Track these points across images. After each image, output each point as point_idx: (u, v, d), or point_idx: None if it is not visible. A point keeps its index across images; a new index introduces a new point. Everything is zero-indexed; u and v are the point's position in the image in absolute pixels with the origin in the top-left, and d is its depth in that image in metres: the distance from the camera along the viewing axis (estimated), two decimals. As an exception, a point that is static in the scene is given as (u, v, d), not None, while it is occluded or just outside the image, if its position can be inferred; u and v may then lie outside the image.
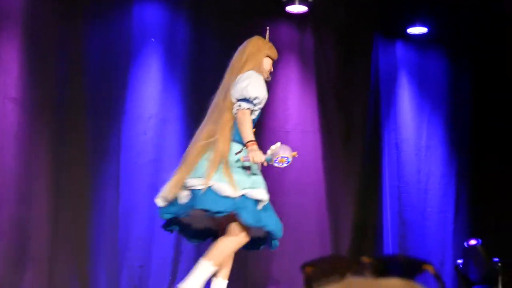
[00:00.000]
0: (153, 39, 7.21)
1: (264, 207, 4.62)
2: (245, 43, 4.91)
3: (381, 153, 8.27)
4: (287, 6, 7.72)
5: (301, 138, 7.74)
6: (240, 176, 4.55)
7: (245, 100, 4.61)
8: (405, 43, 8.53)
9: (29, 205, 6.53)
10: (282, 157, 4.57)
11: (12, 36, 6.63)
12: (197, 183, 4.52)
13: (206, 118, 4.81)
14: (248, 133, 4.56)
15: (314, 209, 7.69)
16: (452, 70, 8.63)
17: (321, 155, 7.81)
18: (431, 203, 8.43)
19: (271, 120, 7.65)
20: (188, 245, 7.10)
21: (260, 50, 4.87)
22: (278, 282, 7.31)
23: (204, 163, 4.56)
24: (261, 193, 4.60)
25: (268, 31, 4.99)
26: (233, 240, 4.64)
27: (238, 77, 4.70)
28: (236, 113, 4.62)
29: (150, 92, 7.15)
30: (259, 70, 4.77)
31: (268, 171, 7.17)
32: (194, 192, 4.53)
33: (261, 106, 4.71)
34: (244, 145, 4.56)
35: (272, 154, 4.57)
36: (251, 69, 4.74)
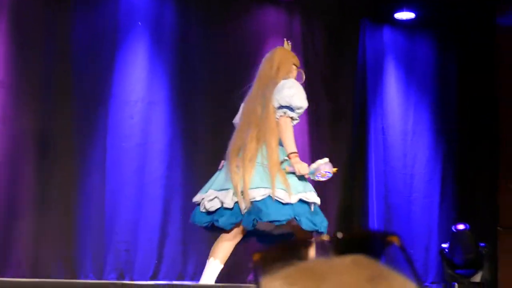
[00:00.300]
0: (139, 23, 7.19)
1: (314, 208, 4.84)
2: (271, 54, 5.12)
3: (368, 138, 8.29)
4: (275, -9, 7.71)
5: (288, 122, 7.73)
6: (293, 181, 4.75)
7: (289, 108, 4.82)
8: (392, 28, 8.53)
9: (16, 188, 6.53)
10: (325, 171, 4.83)
11: (-2, 20, 6.60)
12: (257, 194, 4.69)
13: (240, 124, 4.96)
14: (291, 143, 4.81)
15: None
16: (439, 55, 8.64)
17: (308, 140, 7.82)
18: (416, 188, 8.45)
19: (258, 104, 7.65)
20: (174, 229, 7.11)
21: (288, 59, 5.07)
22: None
23: (257, 173, 4.73)
24: (313, 196, 4.80)
25: (290, 42, 5.22)
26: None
27: (281, 83, 4.88)
28: (278, 119, 4.82)
29: (137, 76, 7.14)
30: (289, 77, 4.99)
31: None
32: (255, 204, 4.69)
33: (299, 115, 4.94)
34: (288, 155, 4.78)
35: (316, 169, 4.79)
36: (284, 77, 4.94)
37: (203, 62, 7.45)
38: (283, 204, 4.66)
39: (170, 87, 7.29)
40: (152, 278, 6.89)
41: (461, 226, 7.61)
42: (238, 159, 4.80)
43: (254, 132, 4.82)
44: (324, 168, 4.80)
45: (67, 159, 6.79)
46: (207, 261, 4.84)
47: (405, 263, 0.78)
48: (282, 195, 4.67)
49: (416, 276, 0.76)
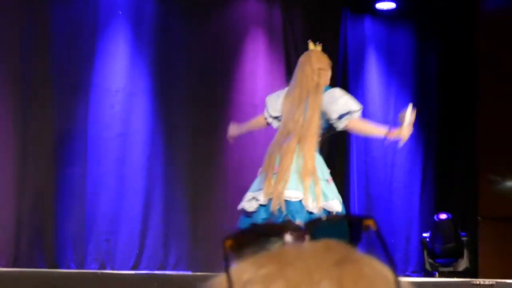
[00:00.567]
0: (120, 12, 7.17)
1: None
2: (308, 57, 5.26)
3: (349, 128, 8.30)
4: (256, -19, 7.71)
5: (269, 112, 7.75)
6: (325, 188, 4.93)
7: (349, 113, 5.03)
8: (373, 18, 8.55)
9: (-5, 179, 6.50)
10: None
11: (-24, 9, 6.56)
12: (292, 195, 4.86)
13: (279, 131, 5.08)
14: (376, 129, 5.30)
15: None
16: (419, 45, 8.68)
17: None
18: (397, 178, 8.49)
19: (239, 94, 7.66)
20: (155, 219, 7.12)
21: (326, 64, 5.23)
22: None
23: (294, 176, 4.89)
24: (337, 204, 4.93)
25: (319, 43, 5.42)
26: None
27: (330, 95, 5.06)
28: (346, 126, 5.05)
29: (118, 66, 7.12)
30: (327, 81, 5.16)
31: (234, 147, 7.20)
32: (288, 203, 4.86)
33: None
34: (385, 135, 5.19)
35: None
36: (324, 84, 5.09)
37: (183, 52, 7.45)
38: (309, 213, 4.83)
39: (150, 77, 7.28)
40: (133, 268, 6.90)
41: (443, 216, 7.66)
42: (275, 168, 4.94)
43: (294, 142, 4.95)
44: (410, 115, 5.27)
45: (48, 148, 6.77)
46: None
47: (381, 248, 0.78)
48: (310, 205, 4.83)
49: (391, 261, 0.75)
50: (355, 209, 8.14)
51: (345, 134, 8.30)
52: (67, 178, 6.79)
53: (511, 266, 8.15)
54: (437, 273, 7.66)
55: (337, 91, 5.11)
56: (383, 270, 0.75)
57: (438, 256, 7.74)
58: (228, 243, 0.79)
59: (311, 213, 4.83)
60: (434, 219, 7.72)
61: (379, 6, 8.42)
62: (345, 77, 8.35)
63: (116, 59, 7.12)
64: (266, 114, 5.26)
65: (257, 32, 7.88)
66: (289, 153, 4.92)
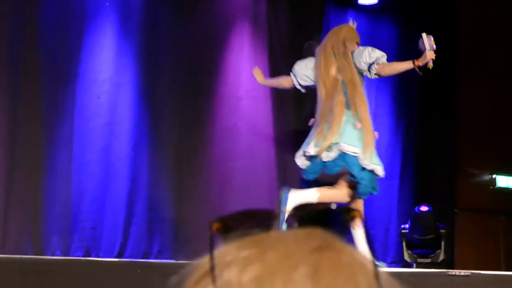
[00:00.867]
0: (107, 3, 7.21)
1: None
2: (338, 29, 6.14)
3: (331, 120, 8.37)
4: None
5: (252, 104, 7.81)
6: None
7: (376, 61, 5.74)
8: (356, 12, 8.60)
9: (-18, 166, 6.54)
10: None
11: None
12: (350, 150, 5.45)
13: (323, 92, 5.76)
14: (402, 63, 5.98)
15: (264, 173, 7.78)
16: (402, 40, 8.73)
17: (272, 120, 7.89)
18: (377, 170, 8.55)
19: (223, 86, 7.70)
20: (140, 208, 7.17)
21: (353, 38, 6.03)
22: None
23: (350, 131, 5.50)
24: (381, 170, 5.69)
25: (355, 22, 6.26)
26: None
27: (355, 52, 5.84)
28: (377, 71, 5.75)
29: (105, 57, 7.16)
30: (354, 48, 5.92)
31: (221, 139, 7.29)
32: (345, 155, 5.47)
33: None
34: (412, 63, 5.87)
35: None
36: (352, 49, 5.88)
37: (170, 44, 7.49)
38: (362, 168, 5.49)
39: (137, 68, 7.31)
40: (118, 256, 6.94)
41: (424, 208, 7.74)
42: (328, 119, 5.52)
43: (340, 96, 5.58)
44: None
45: (34, 137, 6.81)
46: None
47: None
48: (365, 162, 5.45)
49: (372, 252, 0.77)
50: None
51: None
52: (53, 166, 6.84)
53: (487, 257, 8.31)
54: (414, 264, 7.76)
55: (360, 48, 5.86)
56: (363, 260, 0.76)
57: (417, 247, 7.83)
58: (215, 225, 0.80)
59: (363, 169, 5.44)
60: (415, 211, 7.79)
61: (362, 0, 8.46)
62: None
63: (103, 50, 7.16)
64: (294, 80, 6.09)
65: (243, 25, 7.93)
66: (339, 106, 5.53)
